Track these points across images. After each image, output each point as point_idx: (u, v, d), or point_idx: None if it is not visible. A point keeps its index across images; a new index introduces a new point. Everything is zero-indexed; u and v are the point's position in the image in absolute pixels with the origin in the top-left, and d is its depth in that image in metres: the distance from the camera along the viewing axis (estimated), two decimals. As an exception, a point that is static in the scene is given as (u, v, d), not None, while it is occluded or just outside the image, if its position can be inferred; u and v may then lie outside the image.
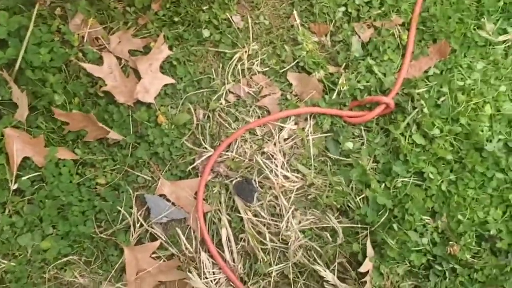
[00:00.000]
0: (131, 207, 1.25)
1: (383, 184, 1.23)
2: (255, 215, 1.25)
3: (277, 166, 1.25)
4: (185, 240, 1.23)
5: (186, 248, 1.23)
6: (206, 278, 1.21)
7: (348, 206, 1.23)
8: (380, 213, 1.19)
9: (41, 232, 1.23)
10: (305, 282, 1.21)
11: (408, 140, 1.24)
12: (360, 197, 1.22)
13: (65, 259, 1.23)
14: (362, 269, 1.15)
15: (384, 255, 1.17)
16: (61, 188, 1.24)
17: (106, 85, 1.28)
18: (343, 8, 1.36)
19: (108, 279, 1.22)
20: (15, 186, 1.23)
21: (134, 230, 1.23)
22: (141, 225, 1.24)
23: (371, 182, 1.22)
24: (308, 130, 1.29)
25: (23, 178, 1.24)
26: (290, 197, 1.25)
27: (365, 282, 1.14)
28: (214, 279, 1.22)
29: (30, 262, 1.23)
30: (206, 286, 1.20)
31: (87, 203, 1.24)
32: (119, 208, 1.24)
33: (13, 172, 1.23)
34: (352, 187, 1.24)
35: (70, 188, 1.24)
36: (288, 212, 1.24)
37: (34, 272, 1.22)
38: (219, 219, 1.24)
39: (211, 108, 1.30)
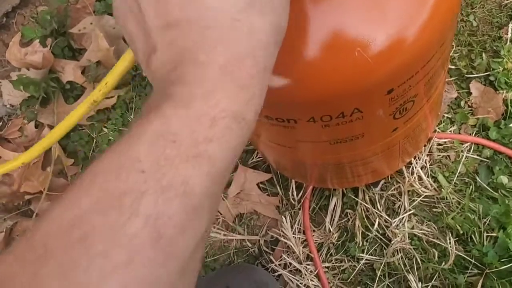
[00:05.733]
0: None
1: (520, 235, 1.09)
2: (371, 200, 1.19)
3: (417, 164, 1.17)
4: (294, 187, 1.21)
5: (292, 195, 1.21)
6: (295, 232, 1.19)
7: (471, 238, 1.12)
8: (503, 260, 1.06)
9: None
10: (389, 285, 1.13)
11: None
12: (488, 234, 1.10)
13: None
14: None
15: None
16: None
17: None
18: None
19: (212, 185, 1.24)
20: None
21: (257, 155, 1.24)
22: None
23: (508, 226, 1.09)
24: (466, 147, 1.19)
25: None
26: (414, 200, 1.17)
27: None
28: (299, 238, 1.20)
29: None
30: (293, 236, 1.18)
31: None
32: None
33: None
34: (485, 222, 1.12)
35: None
36: (405, 213, 1.16)
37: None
38: (335, 188, 1.20)
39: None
